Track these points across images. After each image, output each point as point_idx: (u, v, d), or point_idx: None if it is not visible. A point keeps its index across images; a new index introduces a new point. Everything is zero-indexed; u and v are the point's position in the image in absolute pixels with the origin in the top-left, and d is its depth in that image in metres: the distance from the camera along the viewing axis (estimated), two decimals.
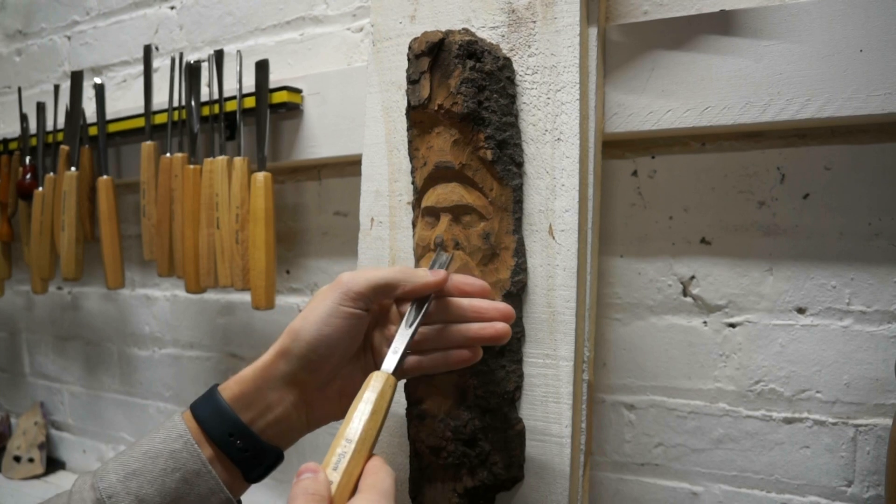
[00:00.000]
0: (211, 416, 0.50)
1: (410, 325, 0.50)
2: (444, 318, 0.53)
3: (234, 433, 0.50)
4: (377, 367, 0.49)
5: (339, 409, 0.54)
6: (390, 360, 0.48)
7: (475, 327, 0.52)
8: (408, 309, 0.52)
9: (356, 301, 0.50)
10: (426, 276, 0.51)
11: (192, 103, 0.91)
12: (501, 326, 0.52)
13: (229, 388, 0.51)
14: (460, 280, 0.53)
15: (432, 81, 0.58)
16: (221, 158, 0.87)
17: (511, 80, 0.60)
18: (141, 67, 1.08)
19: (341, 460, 0.41)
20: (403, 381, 0.62)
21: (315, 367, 0.51)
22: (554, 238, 0.59)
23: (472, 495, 0.58)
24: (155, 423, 1.14)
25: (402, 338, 0.50)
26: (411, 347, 0.51)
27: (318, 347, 0.50)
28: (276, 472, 0.54)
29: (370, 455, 0.43)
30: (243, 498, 0.54)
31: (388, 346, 0.50)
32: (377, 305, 0.53)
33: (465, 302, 0.53)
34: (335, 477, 0.40)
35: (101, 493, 0.48)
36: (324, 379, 0.52)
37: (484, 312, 0.52)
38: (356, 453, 0.41)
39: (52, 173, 1.05)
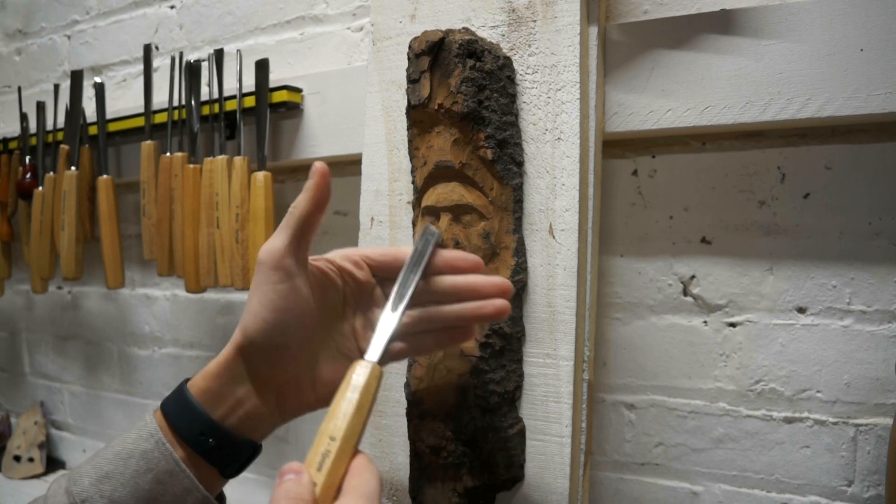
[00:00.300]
0: (181, 414, 0.48)
1: (396, 309, 0.46)
2: (436, 298, 0.49)
3: (205, 432, 0.47)
4: (361, 353, 0.45)
5: (315, 399, 0.50)
6: (375, 348, 0.44)
7: (472, 305, 0.48)
8: (392, 290, 0.48)
9: (279, 270, 0.46)
10: (307, 188, 0.47)
11: (192, 103, 0.91)
12: (501, 303, 0.48)
13: (197, 385, 0.48)
14: (450, 255, 0.50)
15: (432, 81, 0.58)
16: (221, 158, 0.87)
17: (511, 80, 0.60)
18: (141, 67, 1.08)
19: (325, 460, 0.38)
20: (405, 383, 0.62)
21: (275, 360, 0.48)
22: (554, 237, 0.59)
23: (472, 495, 0.58)
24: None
25: (387, 323, 0.46)
26: (400, 332, 0.47)
27: (271, 335, 0.47)
28: (265, 467, 0.52)
29: (355, 452, 0.40)
30: (229, 492, 0.52)
31: (373, 330, 0.46)
32: (339, 270, 0.50)
33: (458, 279, 0.49)
34: (319, 478, 0.38)
35: (74, 497, 0.46)
36: (292, 371, 0.49)
37: (480, 289, 0.49)
38: (340, 452, 0.39)
39: (52, 173, 1.05)
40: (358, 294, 0.52)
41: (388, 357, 0.48)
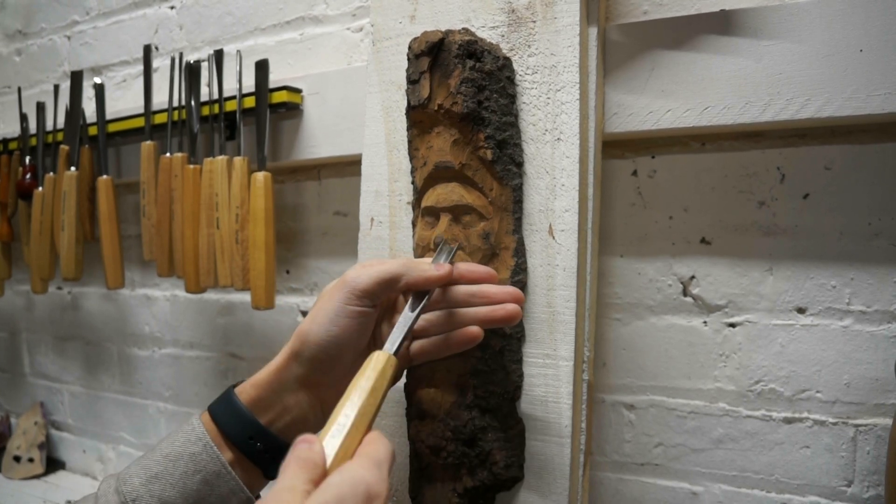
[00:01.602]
0: (230, 419, 0.51)
1: (414, 310, 0.51)
2: (452, 305, 0.53)
3: (254, 436, 0.51)
4: None
5: None
6: (392, 341, 0.49)
7: (485, 310, 0.52)
8: (412, 295, 0.52)
9: (362, 299, 0.51)
10: (430, 270, 0.51)
11: (192, 103, 0.91)
12: (512, 307, 0.52)
13: (246, 392, 0.52)
14: (465, 268, 0.54)
15: (432, 81, 0.58)
16: (221, 158, 0.87)
17: (511, 80, 0.60)
18: (141, 67, 1.08)
19: (339, 433, 0.41)
20: (404, 381, 0.62)
21: (326, 368, 0.51)
22: (554, 238, 0.59)
23: (472, 495, 0.58)
24: (155, 424, 1.14)
25: (404, 320, 0.50)
26: (415, 332, 0.51)
27: (328, 348, 0.51)
28: None
29: (368, 432, 0.43)
30: None
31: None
32: (384, 299, 0.54)
33: (473, 288, 0.53)
34: (331, 448, 0.40)
35: (125, 496, 0.49)
36: (337, 377, 0.52)
37: (492, 296, 0.52)
38: (354, 428, 0.41)
39: (52, 173, 1.05)
40: (386, 305, 0.55)
41: (408, 357, 0.53)
